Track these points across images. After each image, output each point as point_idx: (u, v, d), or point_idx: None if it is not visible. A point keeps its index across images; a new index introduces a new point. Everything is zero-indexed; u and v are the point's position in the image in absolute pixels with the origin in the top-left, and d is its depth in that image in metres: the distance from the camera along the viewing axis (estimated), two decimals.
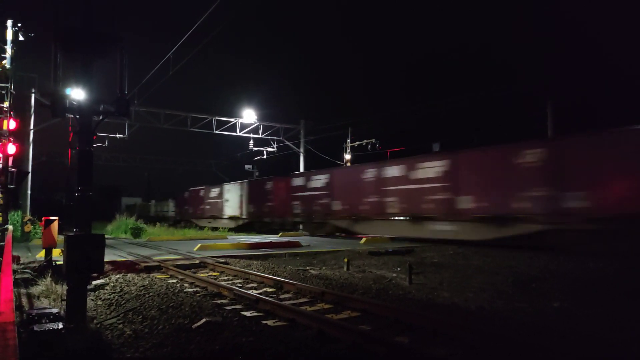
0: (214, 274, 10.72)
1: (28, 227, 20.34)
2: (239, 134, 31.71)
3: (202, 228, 35.01)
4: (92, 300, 7.57)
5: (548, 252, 13.65)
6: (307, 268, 11.37)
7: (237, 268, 10.88)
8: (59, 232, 10.84)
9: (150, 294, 7.82)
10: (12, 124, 11.67)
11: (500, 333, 5.15)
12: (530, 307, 6.86)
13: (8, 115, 12.11)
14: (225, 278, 10.04)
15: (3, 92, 12.56)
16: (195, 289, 8.63)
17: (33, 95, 22.83)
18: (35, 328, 4.86)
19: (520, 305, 7.03)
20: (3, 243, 9.94)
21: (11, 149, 10.98)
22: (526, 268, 10.86)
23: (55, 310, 5.47)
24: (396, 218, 19.66)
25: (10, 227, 14.67)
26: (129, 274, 10.17)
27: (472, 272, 10.36)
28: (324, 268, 11.49)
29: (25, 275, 9.09)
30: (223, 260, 12.37)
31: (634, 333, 5.43)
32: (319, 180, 24.62)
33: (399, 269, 11.03)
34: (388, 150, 29.31)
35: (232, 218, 32.73)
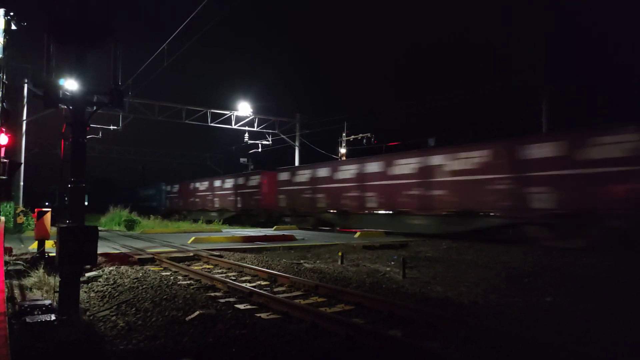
0: (207, 266, 10.71)
1: (21, 219, 20.24)
2: (234, 126, 31.60)
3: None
4: (85, 292, 7.54)
5: (541, 247, 13.74)
6: (301, 261, 11.38)
7: (231, 261, 10.87)
8: (52, 224, 10.78)
9: (144, 286, 7.80)
10: (4, 139, 11.47)
11: (493, 327, 5.18)
12: (523, 302, 6.90)
13: (0, 105, 11.97)
14: (219, 271, 10.03)
15: None
16: (189, 282, 8.62)
17: (26, 85, 22.62)
18: (28, 319, 4.85)
19: (514, 299, 7.07)
20: None
21: (3, 139, 10.81)
22: (519, 263, 10.93)
23: (47, 302, 5.45)
24: None
25: (3, 219, 14.58)
26: (122, 266, 10.14)
27: (465, 267, 10.41)
28: (318, 262, 11.50)
29: (18, 267, 9.04)
30: (217, 253, 12.36)
31: (626, 328, 5.47)
32: None
33: (392, 262, 11.06)
34: (383, 145, 29.33)
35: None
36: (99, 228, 6.40)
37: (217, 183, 35.75)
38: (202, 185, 38.37)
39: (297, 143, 32.93)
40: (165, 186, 47.23)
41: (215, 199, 35.77)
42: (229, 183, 33.92)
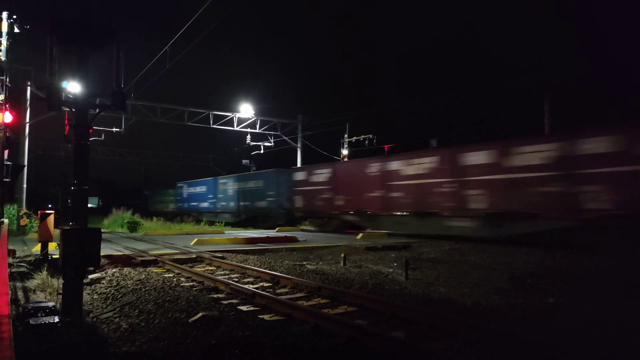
0: (210, 268, 10.72)
1: (24, 221, 20.27)
2: (236, 128, 31.65)
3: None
4: (88, 294, 7.56)
5: (544, 248, 13.70)
6: (304, 263, 11.38)
7: (234, 263, 10.88)
8: (55, 226, 10.81)
9: (147, 288, 7.81)
10: (9, 117, 11.57)
11: (495, 328, 5.17)
12: (525, 303, 6.89)
13: (4, 108, 12.03)
14: (222, 272, 10.04)
15: None
16: (191, 284, 8.63)
17: (29, 88, 22.71)
18: (31, 321, 4.85)
19: (516, 300, 7.06)
20: None
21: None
22: (522, 264, 10.90)
23: (51, 304, 5.46)
24: None
25: (6, 221, 14.62)
26: (125, 268, 10.15)
27: (468, 268, 10.39)
28: (320, 263, 11.50)
29: (21, 269, 9.06)
30: (220, 255, 12.37)
31: (629, 329, 5.46)
32: None
33: (395, 264, 11.05)
34: (385, 146, 29.33)
35: None
36: (102, 230, 6.42)
37: (472, 158, 16.59)
38: (409, 166, 18.99)
39: (299, 144, 32.94)
40: (288, 174, 26.31)
41: (469, 193, 16.53)
42: (534, 155, 14.73)
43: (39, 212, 10.90)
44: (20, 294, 7.38)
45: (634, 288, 7.87)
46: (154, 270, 10.16)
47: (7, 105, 11.27)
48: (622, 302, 6.88)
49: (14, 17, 13.58)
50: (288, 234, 19.66)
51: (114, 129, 30.67)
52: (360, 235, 19.63)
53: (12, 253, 11.15)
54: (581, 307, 6.59)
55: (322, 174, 23.87)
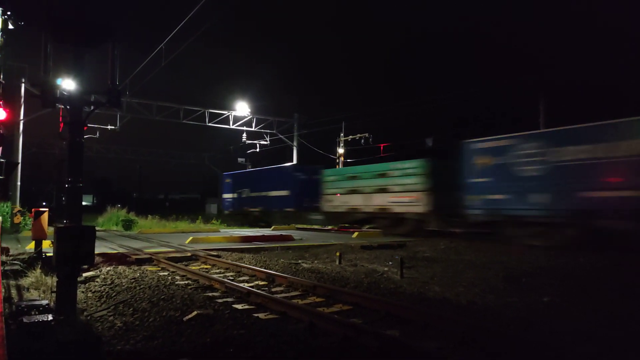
0: (205, 266, 10.70)
1: (18, 219, 20.16)
2: (232, 126, 31.57)
3: None
4: (83, 292, 7.53)
5: (540, 247, 13.76)
6: (299, 261, 11.37)
7: (229, 261, 10.86)
8: (49, 224, 10.75)
9: (141, 286, 7.78)
10: (2, 114, 11.46)
11: (491, 327, 5.19)
12: (520, 302, 6.91)
13: None
14: (217, 271, 10.02)
15: None
16: (186, 282, 8.61)
17: (23, 85, 22.56)
18: (25, 320, 4.82)
19: (511, 300, 7.08)
20: None
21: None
22: (517, 263, 10.93)
23: (44, 302, 5.43)
24: None
25: (0, 219, 14.54)
26: (119, 267, 10.11)
27: (463, 267, 10.42)
28: (316, 262, 11.50)
29: (15, 267, 9.00)
30: (215, 253, 12.34)
31: (623, 328, 5.48)
32: None
33: (390, 263, 11.06)
34: (381, 145, 29.38)
35: None
36: (97, 228, 6.39)
37: None
38: None
39: (295, 143, 32.91)
40: None
41: None
42: None
43: (32, 209, 10.84)
44: (13, 292, 7.33)
45: (630, 287, 7.91)
46: (149, 269, 10.12)
47: (1, 102, 11.17)
48: (617, 302, 6.92)
49: (8, 13, 13.48)
50: (284, 233, 19.65)
51: (108, 127, 30.55)
52: (356, 234, 19.66)
53: (5, 251, 11.07)
54: (576, 306, 6.62)
55: None
